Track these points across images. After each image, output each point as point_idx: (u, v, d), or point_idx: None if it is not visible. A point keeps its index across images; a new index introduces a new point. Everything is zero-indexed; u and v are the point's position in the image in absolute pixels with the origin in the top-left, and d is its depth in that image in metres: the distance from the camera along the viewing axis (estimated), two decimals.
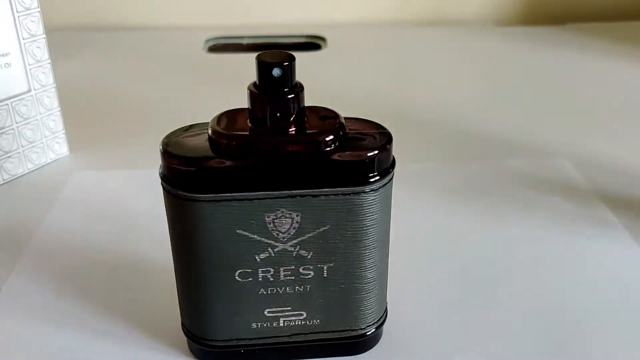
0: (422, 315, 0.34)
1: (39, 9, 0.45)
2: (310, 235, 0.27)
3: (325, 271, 0.28)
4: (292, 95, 0.26)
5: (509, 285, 0.37)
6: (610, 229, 0.42)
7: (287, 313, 0.29)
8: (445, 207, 0.44)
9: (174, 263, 0.29)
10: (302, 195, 0.26)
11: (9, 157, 0.46)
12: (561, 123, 0.57)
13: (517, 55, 0.73)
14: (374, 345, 0.32)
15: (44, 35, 0.46)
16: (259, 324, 0.29)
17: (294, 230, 0.27)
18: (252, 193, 0.26)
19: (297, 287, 0.28)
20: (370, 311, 0.30)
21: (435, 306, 0.35)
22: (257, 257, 0.27)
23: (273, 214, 0.26)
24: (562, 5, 0.84)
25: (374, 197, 0.27)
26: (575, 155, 0.51)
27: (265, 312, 0.29)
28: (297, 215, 0.27)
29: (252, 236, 0.27)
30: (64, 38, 0.74)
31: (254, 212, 0.26)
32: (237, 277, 0.28)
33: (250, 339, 0.30)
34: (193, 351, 0.31)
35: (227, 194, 0.26)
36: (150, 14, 0.81)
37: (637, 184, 0.47)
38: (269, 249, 0.27)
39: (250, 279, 0.28)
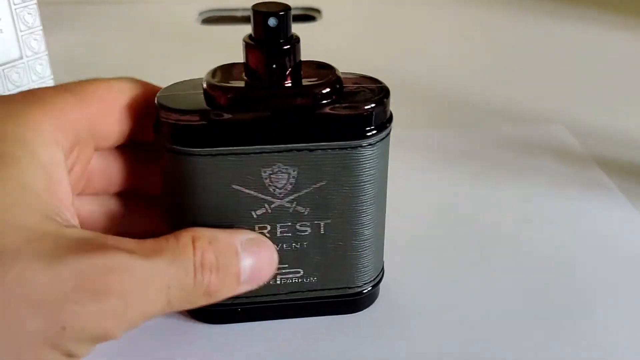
0: (418, 275, 0.34)
1: None
2: (307, 190, 0.27)
3: (322, 228, 0.28)
4: (289, 47, 0.26)
5: (504, 246, 0.37)
6: (607, 192, 0.42)
7: (283, 271, 0.29)
8: (442, 172, 0.44)
9: (169, 221, 0.28)
10: (298, 150, 0.26)
11: None
12: (558, 90, 0.57)
13: (513, 23, 0.73)
14: (371, 304, 0.32)
15: (35, 1, 0.46)
16: None
17: (290, 186, 0.26)
18: (248, 147, 0.25)
19: (293, 244, 0.28)
20: (367, 269, 0.30)
21: (430, 267, 0.35)
22: (253, 214, 0.27)
23: (269, 169, 0.26)
24: None
25: (371, 152, 0.26)
26: (571, 121, 0.51)
27: None
28: (294, 170, 0.26)
29: (248, 192, 0.26)
30: (58, 10, 0.73)
31: (250, 166, 0.26)
32: None
33: (247, 297, 0.29)
34: (190, 311, 0.31)
35: (222, 148, 0.25)
36: None
37: (633, 148, 0.47)
38: (266, 205, 0.27)
39: None
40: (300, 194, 0.27)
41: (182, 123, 0.25)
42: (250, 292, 0.29)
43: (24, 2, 0.45)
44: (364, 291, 0.31)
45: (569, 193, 0.42)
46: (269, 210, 0.27)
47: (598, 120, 0.51)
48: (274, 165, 0.26)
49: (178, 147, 0.25)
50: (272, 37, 0.25)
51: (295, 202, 0.27)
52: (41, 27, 0.46)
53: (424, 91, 0.56)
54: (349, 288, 0.30)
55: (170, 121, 0.25)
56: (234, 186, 0.26)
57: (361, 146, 0.26)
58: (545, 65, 0.62)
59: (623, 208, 0.40)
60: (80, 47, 0.66)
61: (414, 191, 0.42)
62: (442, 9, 0.77)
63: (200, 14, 0.76)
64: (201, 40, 0.68)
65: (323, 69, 0.27)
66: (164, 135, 0.26)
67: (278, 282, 0.29)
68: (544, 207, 0.40)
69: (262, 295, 0.29)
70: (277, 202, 0.27)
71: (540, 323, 0.31)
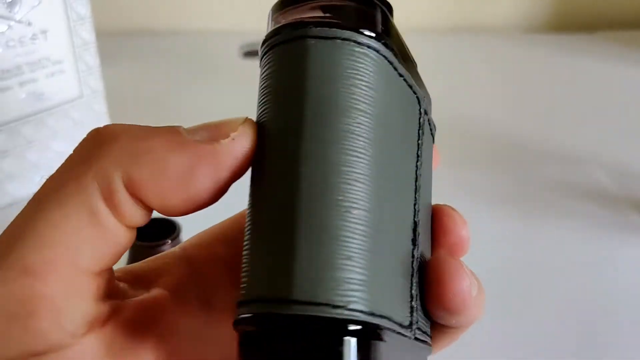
0: None
1: (91, 18, 0.47)
2: None
3: None
4: None
5: (539, 287, 0.38)
6: None
7: None
8: (478, 213, 0.45)
9: None
10: None
11: (62, 159, 0.48)
12: (592, 130, 0.58)
13: (547, 62, 0.74)
14: None
15: (96, 43, 0.48)
16: None
17: None
18: None
19: None
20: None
21: None
22: None
23: None
24: (591, 12, 0.85)
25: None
26: (606, 163, 0.52)
27: None
28: None
29: None
30: (107, 43, 0.76)
31: None
32: None
33: None
34: None
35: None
36: (189, 18, 0.83)
37: None
38: None
39: None
40: None
41: None
42: None
43: (85, 44, 0.47)
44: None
45: (604, 236, 0.43)
46: None
47: (633, 161, 0.52)
48: None
49: None
50: None
51: None
52: (100, 67, 0.49)
53: (458, 131, 0.58)
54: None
55: None
56: None
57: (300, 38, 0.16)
58: (580, 105, 0.63)
59: None
60: (128, 80, 0.68)
61: None
62: (475, 48, 0.79)
63: (241, 47, 0.78)
64: (242, 73, 0.71)
65: None
66: None
67: None
68: (578, 250, 0.42)
69: None
70: None
71: None
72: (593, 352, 0.33)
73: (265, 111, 0.16)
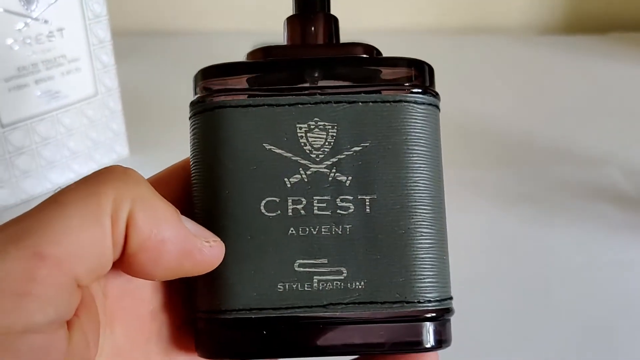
0: (476, 317, 0.36)
1: (107, 16, 0.47)
2: (347, 153, 0.23)
3: (367, 206, 0.23)
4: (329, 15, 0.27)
5: (551, 288, 0.38)
6: None
7: (322, 269, 0.22)
8: (495, 214, 0.45)
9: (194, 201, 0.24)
10: (336, 102, 0.23)
11: (77, 157, 0.48)
12: (608, 132, 0.58)
13: (559, 64, 0.74)
14: (439, 343, 0.23)
15: (111, 41, 0.48)
16: (286, 284, 0.22)
17: (329, 147, 0.23)
18: (282, 98, 0.23)
19: (334, 227, 0.23)
20: (428, 274, 0.23)
21: (485, 309, 0.36)
22: (287, 182, 0.23)
23: (305, 125, 0.23)
24: (604, 14, 0.85)
25: (417, 112, 0.24)
26: (620, 163, 0.52)
27: (296, 266, 0.22)
28: (333, 128, 0.23)
29: (280, 152, 0.23)
30: (122, 41, 0.76)
31: (284, 121, 0.23)
32: (262, 209, 0.22)
33: (274, 309, 0.22)
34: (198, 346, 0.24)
35: (254, 99, 0.23)
36: (203, 18, 0.84)
37: None
38: (301, 170, 0.23)
39: (278, 212, 0.22)
40: (341, 157, 0.23)
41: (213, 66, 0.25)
42: (278, 299, 0.22)
43: (101, 42, 0.48)
44: (428, 312, 0.22)
45: (620, 237, 0.43)
46: (305, 178, 0.23)
47: None
48: (311, 120, 0.23)
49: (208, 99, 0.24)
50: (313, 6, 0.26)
51: (334, 168, 0.23)
52: (115, 65, 0.49)
53: (474, 132, 0.58)
54: (407, 303, 0.22)
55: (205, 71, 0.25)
56: (265, 145, 0.23)
57: (405, 101, 0.23)
58: (595, 106, 0.63)
59: None
60: (144, 79, 0.68)
61: (467, 233, 0.43)
62: (489, 49, 0.79)
63: (254, 47, 0.78)
64: None
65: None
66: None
67: (315, 285, 0.22)
68: (594, 252, 0.41)
69: (293, 307, 0.22)
70: (314, 168, 0.23)
71: None
72: (607, 354, 0.33)
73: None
